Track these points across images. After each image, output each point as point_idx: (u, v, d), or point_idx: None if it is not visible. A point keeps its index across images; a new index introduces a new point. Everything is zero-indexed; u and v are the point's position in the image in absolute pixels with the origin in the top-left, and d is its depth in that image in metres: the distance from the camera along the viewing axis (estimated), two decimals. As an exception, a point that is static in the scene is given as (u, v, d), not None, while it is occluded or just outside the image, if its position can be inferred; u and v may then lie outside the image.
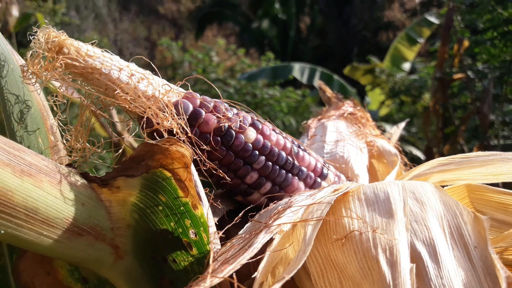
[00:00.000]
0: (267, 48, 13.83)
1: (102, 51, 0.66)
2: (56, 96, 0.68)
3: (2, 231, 0.50)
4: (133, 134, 0.70)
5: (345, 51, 14.82)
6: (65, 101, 0.69)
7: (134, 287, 0.66)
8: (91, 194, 0.60)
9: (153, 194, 0.64)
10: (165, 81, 0.70)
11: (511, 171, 0.72)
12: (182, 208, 0.65)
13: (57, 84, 0.65)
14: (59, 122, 0.71)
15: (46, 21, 0.76)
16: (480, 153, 0.76)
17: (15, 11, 4.28)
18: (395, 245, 0.55)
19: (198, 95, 0.73)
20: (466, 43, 5.52)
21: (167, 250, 0.68)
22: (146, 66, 0.73)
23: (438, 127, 6.05)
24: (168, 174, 0.63)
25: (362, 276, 0.54)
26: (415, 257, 0.55)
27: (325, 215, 0.58)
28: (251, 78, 7.87)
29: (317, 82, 1.65)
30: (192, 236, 0.66)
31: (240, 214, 0.64)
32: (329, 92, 1.58)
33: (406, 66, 7.81)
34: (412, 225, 0.60)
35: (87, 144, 0.72)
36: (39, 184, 0.53)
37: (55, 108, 0.70)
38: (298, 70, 7.51)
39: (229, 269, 0.47)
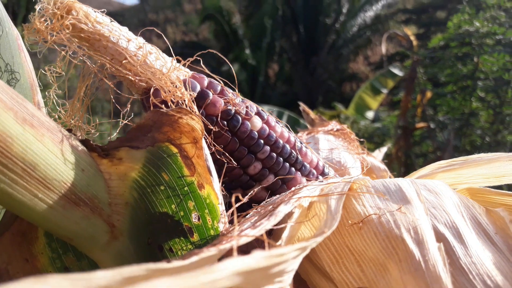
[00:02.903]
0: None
1: (111, 20, 0.63)
2: (54, 67, 0.63)
3: (-5, 185, 0.44)
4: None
5: (311, 98, 15.22)
6: (63, 73, 0.64)
7: (127, 275, 0.59)
8: (91, 162, 0.55)
9: (155, 171, 0.59)
10: (173, 59, 0.67)
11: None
12: (186, 188, 0.60)
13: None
14: (54, 96, 0.66)
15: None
16: (482, 154, 0.76)
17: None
18: (419, 225, 0.52)
19: (206, 76, 0.70)
20: (428, 94, 5.79)
21: (164, 237, 0.62)
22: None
23: (400, 174, 6.20)
24: (175, 150, 0.59)
25: (386, 256, 0.51)
26: (440, 238, 0.52)
27: (347, 191, 0.55)
28: (220, 117, 7.85)
29: (301, 106, 1.66)
30: (194, 220, 0.61)
31: (253, 191, 0.59)
32: (312, 114, 1.58)
33: (370, 114, 8.07)
34: (431, 210, 0.57)
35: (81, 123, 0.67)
36: (41, 138, 0.47)
37: (51, 80, 0.65)
38: (267, 113, 7.60)
39: (255, 231, 0.43)
